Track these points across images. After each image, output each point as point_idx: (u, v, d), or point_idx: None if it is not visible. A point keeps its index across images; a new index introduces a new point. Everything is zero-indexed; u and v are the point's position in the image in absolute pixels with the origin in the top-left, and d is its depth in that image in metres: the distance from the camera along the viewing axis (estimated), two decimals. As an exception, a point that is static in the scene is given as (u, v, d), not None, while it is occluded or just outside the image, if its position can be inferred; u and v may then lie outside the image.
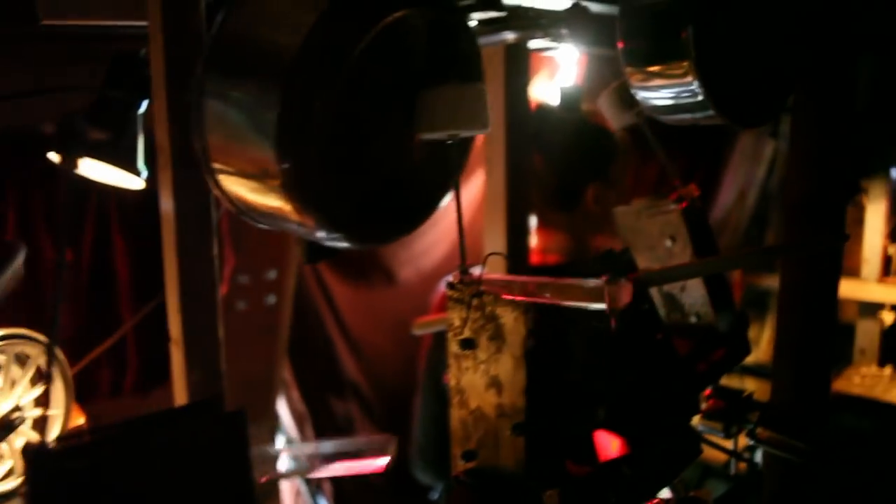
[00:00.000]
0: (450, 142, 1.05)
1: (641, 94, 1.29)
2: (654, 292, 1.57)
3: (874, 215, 4.07)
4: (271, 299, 2.76)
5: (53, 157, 1.76)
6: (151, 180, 1.61)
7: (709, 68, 1.19)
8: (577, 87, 2.04)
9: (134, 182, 1.78)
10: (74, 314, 2.27)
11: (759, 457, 1.58)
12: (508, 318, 0.93)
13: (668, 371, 1.29)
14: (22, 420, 1.44)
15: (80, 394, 2.36)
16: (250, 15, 1.04)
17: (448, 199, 1.16)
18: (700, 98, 1.20)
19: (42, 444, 0.61)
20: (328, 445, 1.24)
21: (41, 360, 1.56)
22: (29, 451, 0.62)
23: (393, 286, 3.20)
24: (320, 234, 1.02)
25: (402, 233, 1.12)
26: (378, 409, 3.28)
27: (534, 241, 3.07)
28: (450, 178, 1.13)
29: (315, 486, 3.11)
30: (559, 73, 2.92)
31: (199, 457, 0.68)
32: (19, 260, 0.84)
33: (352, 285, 3.15)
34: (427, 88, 1.03)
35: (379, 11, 0.95)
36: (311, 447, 1.32)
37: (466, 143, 1.17)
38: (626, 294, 0.94)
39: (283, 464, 1.27)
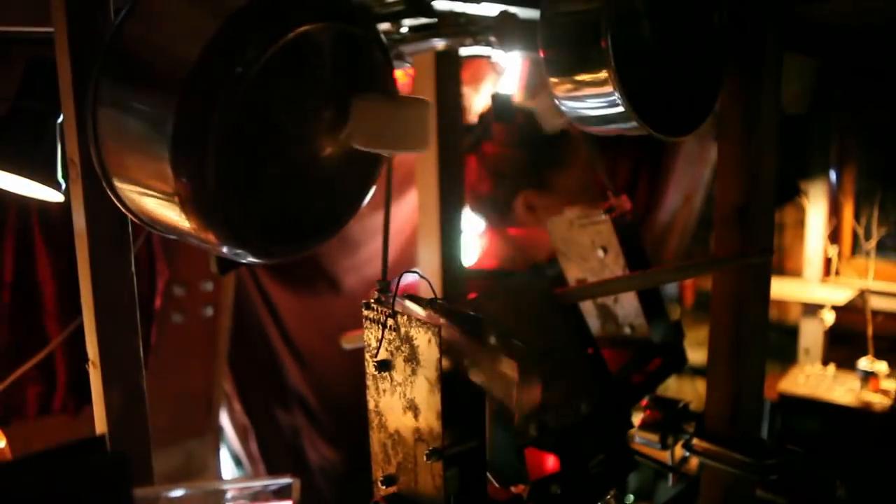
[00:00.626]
0: (386, 154, 1.02)
1: (566, 105, 1.26)
2: (587, 303, 1.56)
3: (815, 217, 4.14)
4: (209, 311, 2.69)
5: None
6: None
7: (629, 77, 1.16)
8: (508, 95, 2.02)
9: (53, 195, 1.71)
10: (-2, 331, 2.18)
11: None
12: (422, 340, 0.89)
13: (600, 386, 1.27)
14: None
15: (7, 414, 2.28)
16: (149, 20, 0.99)
17: (359, 209, 1.12)
18: (622, 109, 1.18)
19: None
20: (226, 485, 1.19)
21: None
22: None
23: (337, 294, 3.15)
24: (224, 250, 0.98)
25: (309, 246, 1.09)
26: (325, 420, 3.23)
27: (483, 244, 3.07)
28: (362, 189, 1.10)
29: None
30: (498, 77, 2.92)
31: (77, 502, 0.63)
32: None
33: (295, 293, 3.09)
34: (365, 98, 0.99)
35: (283, 26, 0.91)
36: (209, 486, 1.27)
37: (377, 157, 1.13)
38: (534, 396, 0.93)
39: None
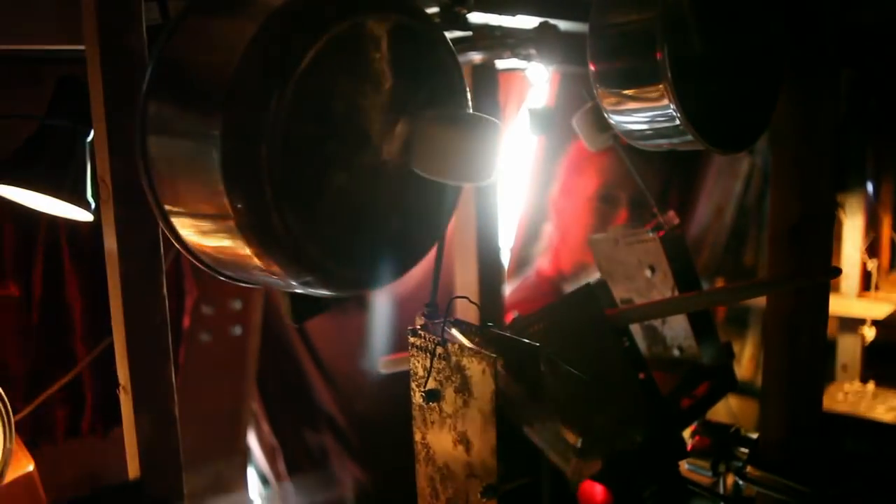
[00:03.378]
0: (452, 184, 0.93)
1: (615, 119, 1.21)
2: (634, 325, 1.50)
3: (852, 230, 4.04)
4: (237, 330, 2.65)
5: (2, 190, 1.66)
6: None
7: (686, 91, 1.11)
8: (545, 109, 1.97)
9: (82, 214, 1.68)
10: (26, 352, 2.15)
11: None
12: (476, 370, 0.84)
13: (652, 412, 1.21)
14: None
15: (36, 436, 2.25)
16: (189, 37, 0.94)
17: (446, 227, 1.00)
18: (677, 123, 1.13)
19: None
20: None
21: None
22: None
23: (366, 313, 3.10)
24: (293, 282, 0.89)
25: (393, 273, 0.96)
26: (354, 441, 3.17)
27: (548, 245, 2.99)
28: (449, 206, 0.98)
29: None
30: (530, 92, 2.87)
31: None
32: None
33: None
34: (430, 120, 0.90)
35: (328, 17, 0.83)
36: None
37: None
38: (590, 471, 0.87)
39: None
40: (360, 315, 3.11)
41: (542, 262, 2.99)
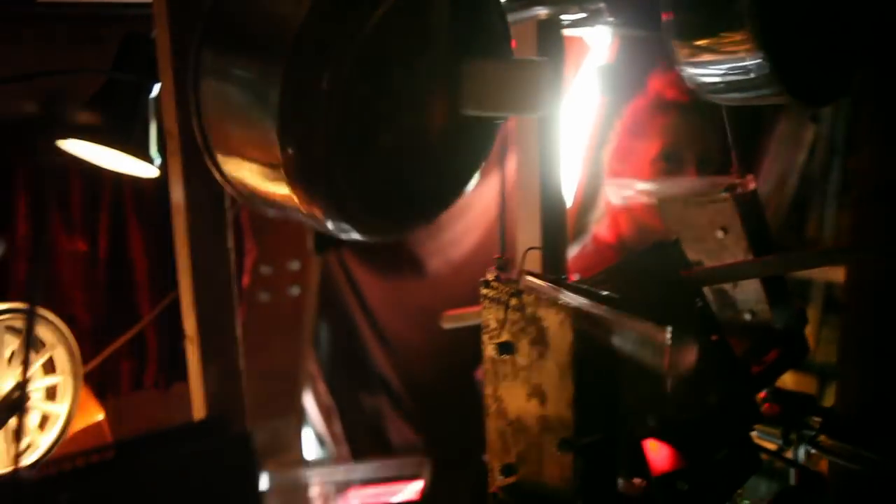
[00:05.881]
0: (498, 121, 0.95)
1: (690, 71, 1.16)
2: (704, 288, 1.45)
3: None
4: (295, 290, 2.68)
5: (63, 145, 1.68)
6: (166, 168, 1.53)
7: (769, 40, 1.06)
8: (614, 66, 1.92)
9: (147, 170, 1.69)
10: (93, 307, 2.20)
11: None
12: (553, 322, 0.82)
13: (726, 375, 1.17)
14: (26, 398, 1.35)
15: (102, 388, 2.31)
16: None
17: (472, 186, 1.05)
18: (759, 74, 1.08)
19: (17, 474, 0.53)
20: (359, 470, 1.14)
21: (57, 349, 1.47)
22: (2, 483, 0.53)
23: (422, 277, 3.10)
24: (329, 226, 0.92)
25: (419, 224, 1.02)
26: (408, 403, 3.19)
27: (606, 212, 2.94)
28: (474, 164, 1.02)
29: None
30: (589, 55, 2.80)
31: (203, 483, 0.59)
32: None
33: (379, 276, 3.05)
34: (478, 60, 0.92)
35: None
36: (340, 472, 1.23)
37: (494, 126, 1.06)
38: (688, 359, 0.84)
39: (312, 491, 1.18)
40: (415, 279, 3.11)
41: (599, 229, 2.94)
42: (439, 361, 3.08)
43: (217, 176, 1.01)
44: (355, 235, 0.97)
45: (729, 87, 1.14)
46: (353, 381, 3.13)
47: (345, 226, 0.94)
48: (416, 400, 3.18)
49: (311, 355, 2.95)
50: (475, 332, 1.18)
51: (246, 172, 0.96)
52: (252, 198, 0.99)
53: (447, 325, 1.78)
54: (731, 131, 1.28)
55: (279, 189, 0.91)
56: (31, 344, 0.70)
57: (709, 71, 1.15)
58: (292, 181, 0.88)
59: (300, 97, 0.84)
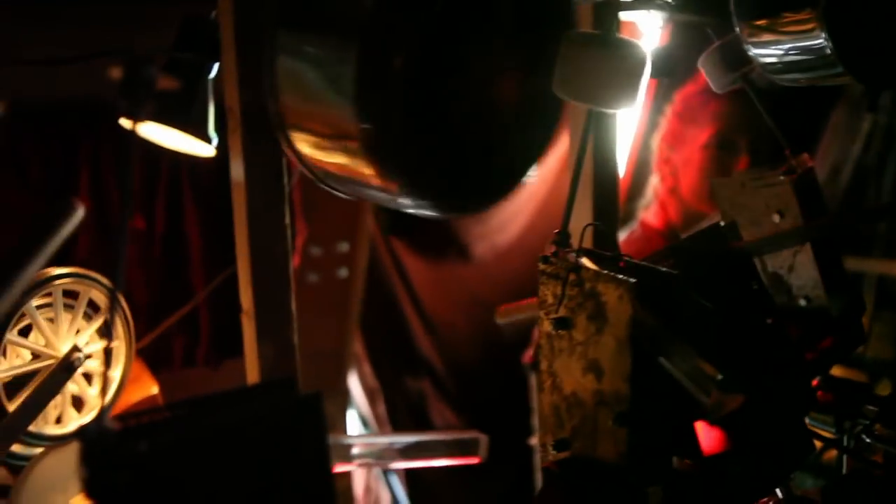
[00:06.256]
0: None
1: (754, 51, 1.16)
2: (758, 272, 1.44)
3: None
4: (343, 272, 2.71)
5: (124, 122, 1.72)
6: (222, 147, 1.56)
7: (833, 19, 1.05)
8: (667, 48, 1.89)
9: (204, 149, 1.73)
10: (149, 283, 2.26)
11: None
12: (612, 297, 0.83)
13: (781, 359, 1.16)
14: (81, 360, 1.40)
15: (155, 363, 2.37)
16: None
17: (538, 163, 1.06)
18: (825, 53, 1.07)
19: (99, 424, 0.56)
20: (408, 439, 1.17)
21: (105, 306, 1.51)
22: (85, 433, 0.56)
23: (467, 262, 3.12)
24: (403, 201, 0.94)
25: (490, 200, 1.04)
26: (451, 387, 3.21)
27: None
28: (544, 139, 1.03)
29: (390, 472, 3.06)
30: (643, 39, 2.77)
31: (272, 441, 0.62)
32: (74, 221, 0.79)
33: (425, 260, 3.08)
34: (574, 39, 0.92)
35: None
36: (387, 440, 1.25)
37: (560, 104, 1.07)
38: (731, 405, 0.84)
39: (358, 454, 1.21)
40: (461, 265, 3.13)
41: (647, 216, 2.91)
42: (483, 346, 3.10)
43: (291, 155, 1.04)
44: (429, 211, 0.99)
45: (790, 67, 1.14)
46: (398, 364, 3.17)
47: (420, 201, 0.95)
48: (460, 384, 3.21)
49: (358, 337, 2.99)
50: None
51: (320, 150, 0.98)
52: (326, 176, 1.01)
53: (501, 321, 1.78)
54: (759, 125, 1.26)
55: (355, 166, 0.93)
56: (112, 321, 0.75)
57: (771, 51, 1.15)
58: (369, 157, 0.90)
59: (376, 75, 0.86)
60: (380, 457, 1.12)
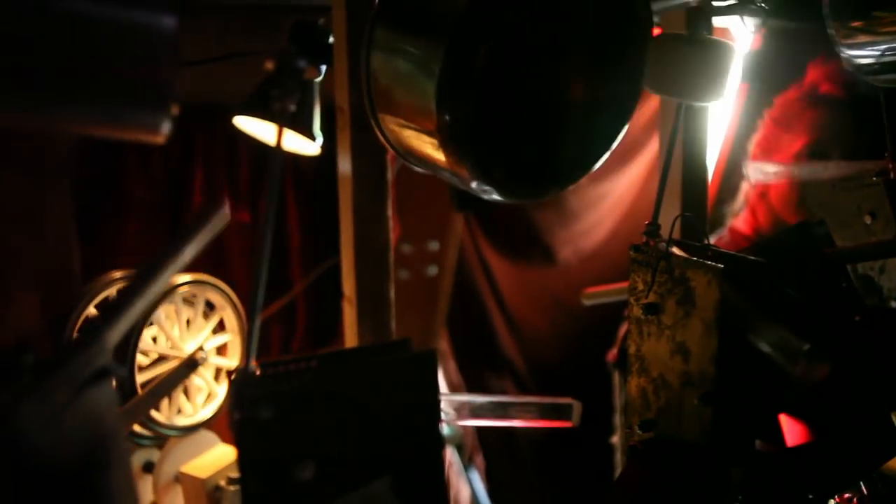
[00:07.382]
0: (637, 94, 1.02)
1: (848, 53, 1.18)
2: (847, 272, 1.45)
3: None
4: (433, 270, 2.79)
5: (237, 122, 1.85)
6: (324, 146, 1.67)
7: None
8: (759, 54, 1.91)
9: (310, 147, 1.84)
10: (250, 274, 2.39)
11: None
12: (700, 282, 0.87)
13: (867, 357, 1.18)
14: (205, 358, 1.55)
15: (256, 353, 2.49)
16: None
17: (602, 158, 1.13)
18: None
19: (247, 369, 0.65)
20: (503, 399, 1.24)
21: (226, 310, 1.65)
22: (235, 374, 0.66)
23: (552, 266, 3.16)
24: (474, 186, 1.03)
25: (557, 188, 1.13)
26: (532, 388, 3.26)
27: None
28: (613, 132, 1.10)
29: (467, 460, 3.13)
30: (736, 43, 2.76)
31: (392, 393, 0.70)
32: (223, 221, 0.88)
33: (511, 262, 3.14)
34: (665, 37, 0.99)
35: None
36: (483, 399, 1.32)
37: (631, 104, 1.13)
38: (819, 375, 0.87)
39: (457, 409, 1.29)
40: (546, 268, 3.17)
41: (736, 222, 2.90)
42: (564, 348, 3.14)
43: (379, 136, 1.14)
44: (496, 196, 1.08)
45: (886, 67, 1.15)
46: (481, 362, 3.23)
47: (487, 187, 1.05)
48: (541, 385, 3.25)
49: (444, 334, 3.07)
50: (605, 321, 1.22)
51: (404, 134, 1.08)
52: (408, 156, 1.11)
53: (588, 302, 1.83)
54: (886, 117, 1.28)
55: (432, 151, 1.03)
56: (253, 328, 0.84)
57: (867, 52, 1.16)
58: (444, 144, 0.99)
59: (458, 72, 0.95)
60: (476, 413, 1.20)
